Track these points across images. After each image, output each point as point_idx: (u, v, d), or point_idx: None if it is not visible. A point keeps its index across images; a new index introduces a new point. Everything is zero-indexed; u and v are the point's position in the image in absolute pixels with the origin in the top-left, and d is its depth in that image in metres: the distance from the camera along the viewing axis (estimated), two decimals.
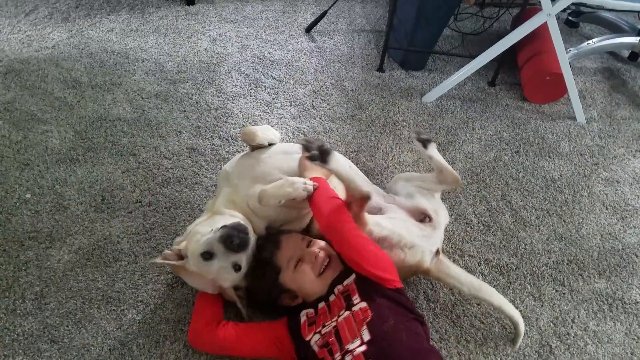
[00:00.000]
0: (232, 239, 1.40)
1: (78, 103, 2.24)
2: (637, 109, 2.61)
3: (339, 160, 1.51)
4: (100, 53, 2.50)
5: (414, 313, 1.47)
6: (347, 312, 1.42)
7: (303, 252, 1.55)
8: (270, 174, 1.59)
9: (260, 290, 1.55)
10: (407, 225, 1.65)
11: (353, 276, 1.49)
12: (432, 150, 1.74)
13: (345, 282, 1.50)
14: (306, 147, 1.44)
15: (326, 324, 1.44)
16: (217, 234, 1.43)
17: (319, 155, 1.44)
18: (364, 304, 1.40)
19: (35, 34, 2.55)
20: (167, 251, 1.55)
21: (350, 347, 1.34)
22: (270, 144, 1.72)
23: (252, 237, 1.52)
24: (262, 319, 1.61)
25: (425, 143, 1.74)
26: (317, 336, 1.42)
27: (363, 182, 1.63)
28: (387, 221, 1.61)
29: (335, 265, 1.56)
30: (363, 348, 1.32)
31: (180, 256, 1.52)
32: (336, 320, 1.42)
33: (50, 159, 2.00)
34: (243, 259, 1.47)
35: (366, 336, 1.34)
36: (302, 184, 1.49)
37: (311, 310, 1.50)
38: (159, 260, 1.52)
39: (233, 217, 1.54)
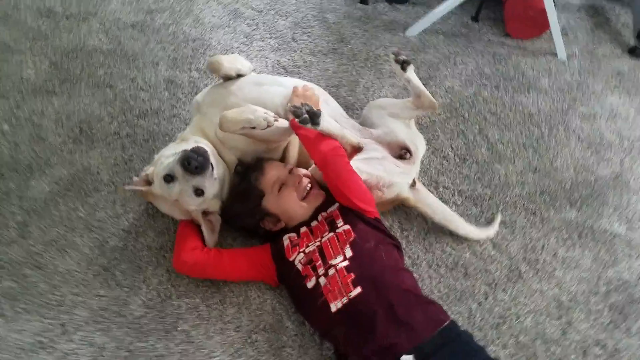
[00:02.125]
0: (189, 160, 1.40)
1: (52, 33, 2.18)
2: (618, 47, 2.62)
3: (328, 120, 1.54)
4: None
5: (391, 238, 1.56)
6: (331, 234, 1.50)
7: (286, 177, 1.60)
8: (240, 106, 1.58)
9: (243, 214, 1.60)
10: (385, 165, 1.69)
11: (337, 204, 1.57)
12: (411, 73, 1.72)
13: (330, 209, 1.57)
14: (295, 114, 1.47)
15: (309, 244, 1.51)
16: (176, 157, 1.44)
17: (309, 118, 1.47)
18: (347, 227, 1.49)
19: None
20: (135, 178, 1.57)
21: (334, 262, 1.43)
22: (239, 75, 1.69)
23: (215, 163, 1.52)
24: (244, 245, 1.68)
25: (403, 65, 1.70)
26: (301, 255, 1.50)
27: (352, 134, 1.64)
28: (365, 165, 1.64)
29: (317, 192, 1.63)
30: (345, 263, 1.42)
31: (148, 182, 1.55)
32: (320, 240, 1.50)
33: (26, 89, 1.97)
34: (204, 183, 1.48)
35: (349, 253, 1.44)
36: (263, 113, 1.50)
37: (293, 234, 1.56)
38: (127, 187, 1.55)
39: (197, 143, 1.54)
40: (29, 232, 1.63)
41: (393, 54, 1.72)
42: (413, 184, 1.74)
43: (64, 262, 1.59)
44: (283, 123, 1.56)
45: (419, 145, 1.78)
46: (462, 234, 1.75)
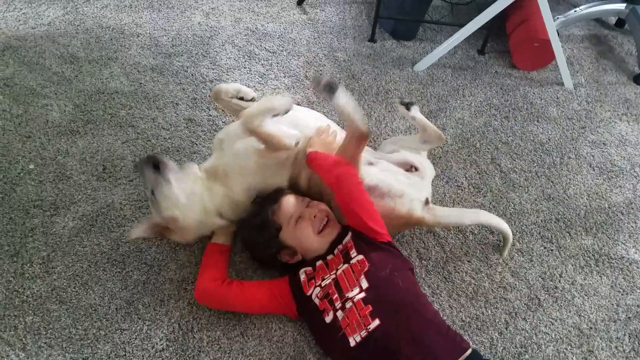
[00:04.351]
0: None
1: (76, 77, 2.27)
2: (623, 74, 2.67)
3: (345, 97, 1.54)
4: (95, 29, 2.52)
5: (405, 263, 1.58)
6: (346, 265, 1.51)
7: (303, 210, 1.63)
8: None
9: (261, 245, 1.63)
10: (396, 176, 1.73)
11: (350, 234, 1.58)
12: (415, 111, 1.85)
13: (344, 241, 1.59)
14: (316, 80, 1.54)
15: (325, 277, 1.52)
16: None
17: (328, 87, 1.51)
18: (361, 257, 1.50)
19: (30, 12, 2.57)
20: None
21: (350, 294, 1.43)
22: (241, 99, 1.79)
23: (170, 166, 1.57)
24: (263, 277, 1.70)
25: (408, 106, 1.86)
26: (318, 289, 1.50)
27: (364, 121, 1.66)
28: (378, 171, 1.70)
29: (333, 225, 1.65)
30: (362, 295, 1.41)
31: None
32: (335, 273, 1.51)
33: (51, 131, 2.04)
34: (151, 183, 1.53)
35: (364, 284, 1.44)
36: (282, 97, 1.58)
37: (309, 268, 1.58)
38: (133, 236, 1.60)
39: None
40: (53, 267, 1.67)
41: (398, 98, 1.95)
42: (426, 203, 1.77)
43: (87, 296, 1.62)
44: (293, 132, 1.62)
45: (425, 165, 1.85)
46: (494, 225, 1.81)
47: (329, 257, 1.58)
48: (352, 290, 1.44)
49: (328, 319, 1.44)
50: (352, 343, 1.37)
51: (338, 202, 1.59)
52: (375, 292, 1.42)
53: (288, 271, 1.62)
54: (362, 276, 1.46)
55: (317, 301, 1.49)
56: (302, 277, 1.56)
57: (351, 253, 1.53)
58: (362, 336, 1.36)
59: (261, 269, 1.73)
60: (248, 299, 1.58)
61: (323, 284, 1.51)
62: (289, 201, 1.63)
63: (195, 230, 1.62)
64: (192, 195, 1.57)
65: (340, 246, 1.59)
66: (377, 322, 1.36)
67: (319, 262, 1.58)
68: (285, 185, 1.73)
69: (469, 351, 1.34)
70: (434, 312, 1.47)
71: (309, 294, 1.52)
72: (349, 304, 1.42)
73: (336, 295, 1.46)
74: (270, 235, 1.60)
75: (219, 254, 1.69)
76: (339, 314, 1.42)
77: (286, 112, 1.57)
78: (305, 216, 1.61)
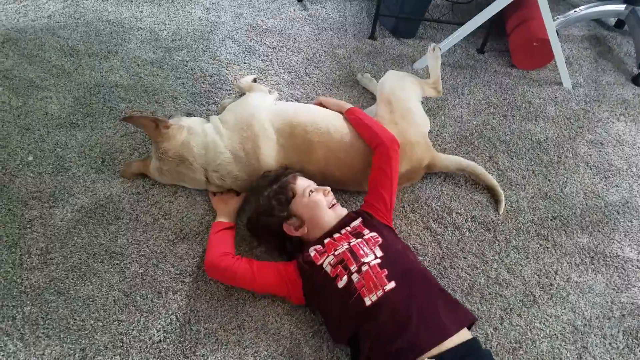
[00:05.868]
0: None
1: (76, 70, 2.27)
2: (622, 75, 2.68)
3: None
4: (96, 22, 2.52)
5: (408, 247, 1.68)
6: (359, 239, 1.56)
7: (315, 187, 1.70)
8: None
9: (269, 211, 1.65)
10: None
11: (360, 219, 1.64)
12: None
13: (353, 224, 1.63)
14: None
15: (337, 248, 1.56)
16: None
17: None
18: (374, 233, 1.57)
19: (31, 4, 2.57)
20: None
21: (366, 260, 1.48)
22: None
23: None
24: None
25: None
26: (331, 257, 1.53)
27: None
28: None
29: (340, 206, 1.73)
30: (378, 261, 1.48)
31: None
32: (348, 243, 1.55)
33: (50, 123, 2.05)
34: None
35: (379, 253, 1.50)
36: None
37: (318, 246, 1.60)
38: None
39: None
40: (51, 258, 1.68)
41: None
42: None
43: (85, 287, 1.63)
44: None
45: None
46: (483, 177, 2.04)
47: (336, 235, 1.61)
48: (367, 257, 1.49)
49: (341, 283, 1.46)
50: (368, 302, 1.40)
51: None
52: (390, 261, 1.48)
53: (289, 253, 1.67)
54: (377, 247, 1.52)
55: (328, 269, 1.51)
56: (313, 253, 1.58)
57: (363, 232, 1.59)
58: (378, 295, 1.39)
59: (263, 256, 1.74)
60: (256, 277, 1.58)
61: (336, 252, 1.54)
62: (303, 177, 1.72)
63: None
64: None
65: (348, 228, 1.62)
66: (392, 284, 1.41)
67: (326, 240, 1.60)
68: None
69: (470, 336, 1.39)
70: (440, 286, 1.53)
71: (319, 263, 1.53)
72: (365, 267, 1.46)
73: (351, 261, 1.49)
74: (285, 198, 1.64)
75: (225, 230, 1.72)
76: (354, 276, 1.45)
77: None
78: (319, 190, 1.69)
